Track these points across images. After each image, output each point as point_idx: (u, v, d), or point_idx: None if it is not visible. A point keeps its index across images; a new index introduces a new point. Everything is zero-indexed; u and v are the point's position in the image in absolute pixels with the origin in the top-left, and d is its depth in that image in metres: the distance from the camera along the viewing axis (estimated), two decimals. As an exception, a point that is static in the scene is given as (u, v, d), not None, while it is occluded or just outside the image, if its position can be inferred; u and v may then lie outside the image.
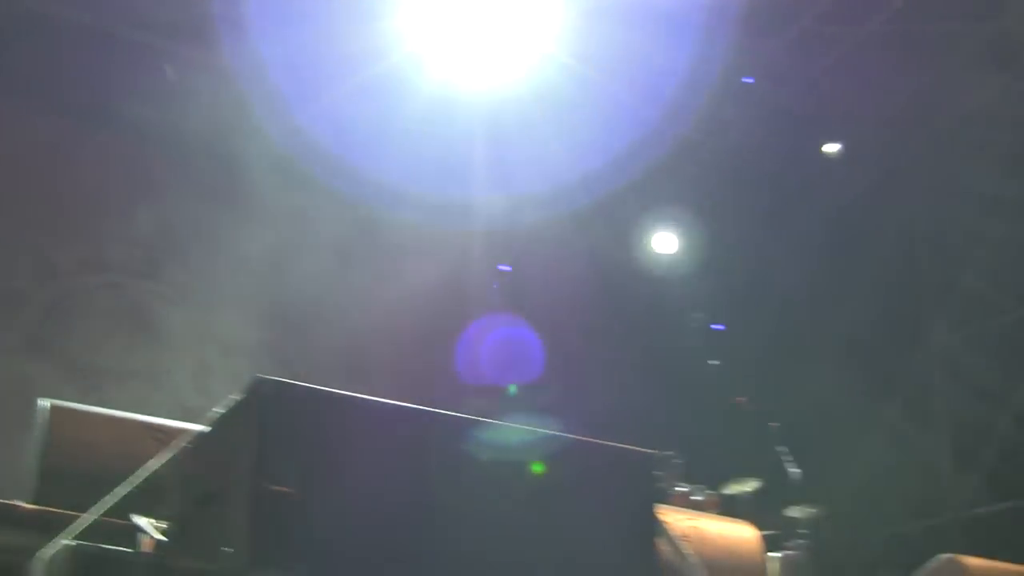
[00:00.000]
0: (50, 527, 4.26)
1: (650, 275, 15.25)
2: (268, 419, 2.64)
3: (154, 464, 3.92)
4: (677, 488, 11.47)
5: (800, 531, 11.51)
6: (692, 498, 11.23)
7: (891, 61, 13.71)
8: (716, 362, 14.47)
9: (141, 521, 3.63)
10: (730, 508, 11.18)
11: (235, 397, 2.83)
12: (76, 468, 5.26)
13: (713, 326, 15.54)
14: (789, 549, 11.13)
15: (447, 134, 13.79)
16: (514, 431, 3.16)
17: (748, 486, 12.25)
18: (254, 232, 13.30)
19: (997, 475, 13.32)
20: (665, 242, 15.24)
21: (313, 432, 2.72)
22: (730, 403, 14.04)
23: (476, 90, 13.15)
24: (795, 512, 11.76)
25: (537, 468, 3.15)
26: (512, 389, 14.07)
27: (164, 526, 3.52)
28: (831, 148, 14.03)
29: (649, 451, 3.35)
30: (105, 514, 3.97)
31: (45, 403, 5.70)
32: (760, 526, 10.38)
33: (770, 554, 10.53)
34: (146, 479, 3.90)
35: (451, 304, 14.38)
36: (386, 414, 2.91)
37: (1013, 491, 12.65)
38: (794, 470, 11.89)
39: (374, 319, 13.64)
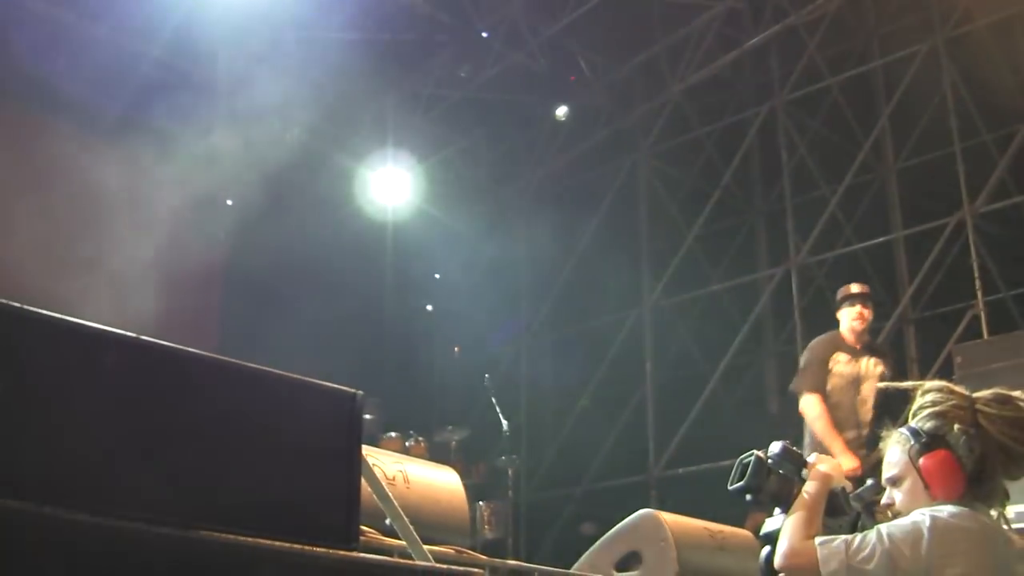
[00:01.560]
0: None
1: (371, 220, 15.16)
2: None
3: None
4: (386, 433, 11.53)
5: (506, 482, 11.68)
6: (401, 443, 11.31)
7: (625, 27, 14.02)
8: (430, 308, 14.55)
9: None
10: (438, 455, 11.26)
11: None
12: None
13: (433, 275, 15.58)
14: (493, 498, 11.30)
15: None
16: (220, 364, 3.08)
17: (457, 435, 12.38)
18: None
19: (692, 439, 13.78)
20: (387, 188, 15.14)
21: (14, 352, 2.58)
22: (450, 352, 14.09)
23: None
24: (502, 463, 11.92)
25: (240, 401, 3.08)
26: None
27: None
28: (560, 108, 14.25)
29: (356, 392, 3.32)
30: None
31: None
32: (466, 475, 10.49)
33: (478, 502, 10.69)
34: None
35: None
36: (92, 339, 2.77)
37: (704, 455, 13.11)
38: (503, 422, 12.05)
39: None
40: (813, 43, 13.67)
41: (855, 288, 8.43)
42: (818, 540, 3.41)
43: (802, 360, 8.51)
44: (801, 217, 13.83)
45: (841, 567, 3.32)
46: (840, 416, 8.05)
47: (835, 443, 7.82)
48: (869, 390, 8.08)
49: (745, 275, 14.80)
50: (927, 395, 3.54)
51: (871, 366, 8.18)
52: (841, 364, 8.15)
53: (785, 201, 14.00)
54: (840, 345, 8.25)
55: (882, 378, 8.13)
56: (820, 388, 8.09)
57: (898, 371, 8.43)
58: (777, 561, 3.52)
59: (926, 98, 13.07)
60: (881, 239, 13.47)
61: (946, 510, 3.32)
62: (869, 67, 13.83)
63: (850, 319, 8.24)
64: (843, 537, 3.39)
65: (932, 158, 13.16)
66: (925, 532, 3.25)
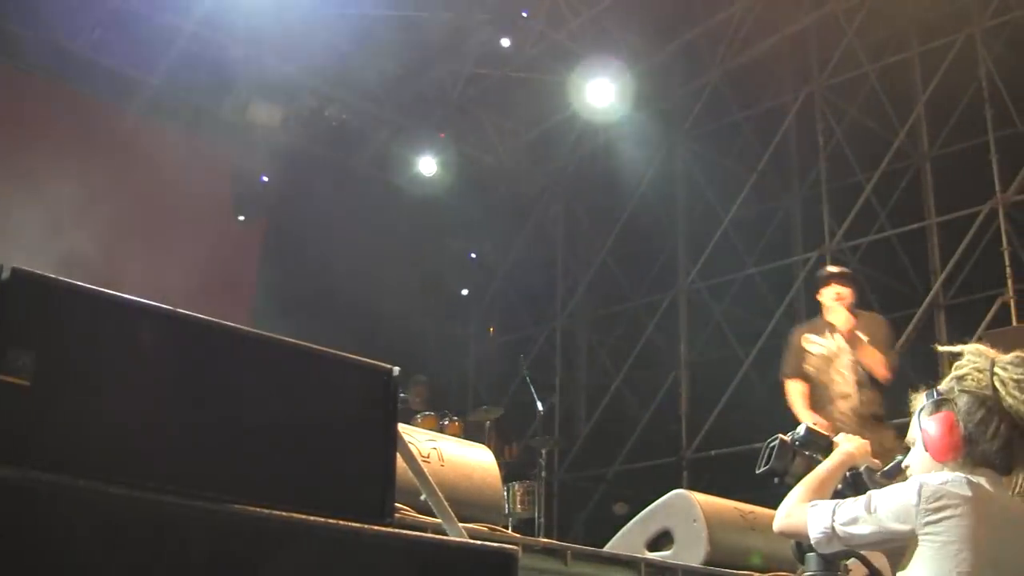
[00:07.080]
0: None
1: (411, 199, 15.20)
2: (4, 308, 2.54)
3: None
4: (422, 411, 11.61)
5: (539, 462, 11.75)
6: (436, 422, 11.40)
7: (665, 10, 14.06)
8: (465, 292, 14.61)
9: None
10: (472, 435, 11.34)
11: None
12: None
13: (469, 254, 15.63)
14: (527, 478, 11.37)
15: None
16: (257, 337, 3.14)
17: (491, 415, 12.45)
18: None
19: (724, 422, 13.85)
20: (427, 165, 15.21)
21: (54, 325, 2.62)
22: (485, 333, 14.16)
23: None
24: (536, 443, 11.99)
25: (278, 376, 3.13)
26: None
27: None
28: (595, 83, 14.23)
29: (392, 367, 3.37)
30: None
31: None
32: (499, 455, 10.55)
33: (510, 482, 10.77)
34: None
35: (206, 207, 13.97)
36: (132, 312, 2.81)
37: (736, 437, 13.18)
38: (538, 403, 12.13)
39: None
40: (852, 30, 13.70)
41: (832, 268, 8.61)
42: (809, 504, 3.47)
43: None
44: (836, 203, 13.86)
45: (828, 530, 3.38)
46: (817, 396, 8.11)
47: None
48: (845, 364, 8.08)
49: (780, 259, 14.83)
50: (959, 358, 3.54)
51: (840, 341, 8.14)
52: (815, 345, 8.19)
53: (821, 187, 14.03)
54: (815, 327, 8.28)
55: (855, 344, 8.07)
56: (795, 373, 8.19)
57: (892, 333, 8.43)
58: (774, 523, 3.60)
59: (962, 87, 13.09)
60: (914, 225, 13.49)
61: (940, 476, 3.30)
62: (906, 55, 13.84)
63: (830, 299, 8.23)
64: (833, 502, 3.44)
65: (966, 147, 13.19)
66: (914, 497, 3.24)
